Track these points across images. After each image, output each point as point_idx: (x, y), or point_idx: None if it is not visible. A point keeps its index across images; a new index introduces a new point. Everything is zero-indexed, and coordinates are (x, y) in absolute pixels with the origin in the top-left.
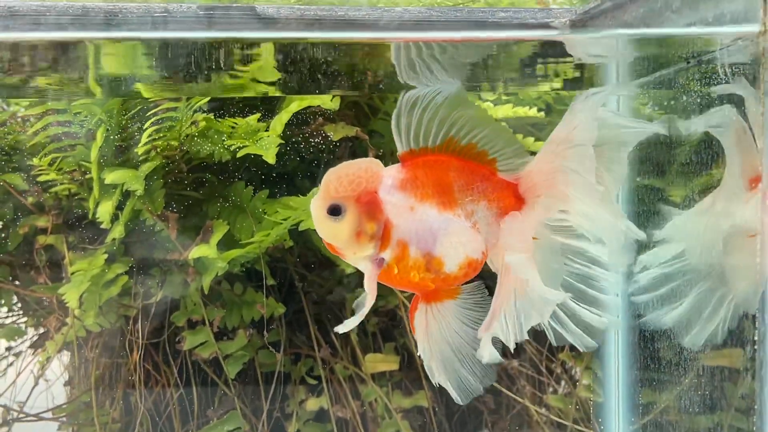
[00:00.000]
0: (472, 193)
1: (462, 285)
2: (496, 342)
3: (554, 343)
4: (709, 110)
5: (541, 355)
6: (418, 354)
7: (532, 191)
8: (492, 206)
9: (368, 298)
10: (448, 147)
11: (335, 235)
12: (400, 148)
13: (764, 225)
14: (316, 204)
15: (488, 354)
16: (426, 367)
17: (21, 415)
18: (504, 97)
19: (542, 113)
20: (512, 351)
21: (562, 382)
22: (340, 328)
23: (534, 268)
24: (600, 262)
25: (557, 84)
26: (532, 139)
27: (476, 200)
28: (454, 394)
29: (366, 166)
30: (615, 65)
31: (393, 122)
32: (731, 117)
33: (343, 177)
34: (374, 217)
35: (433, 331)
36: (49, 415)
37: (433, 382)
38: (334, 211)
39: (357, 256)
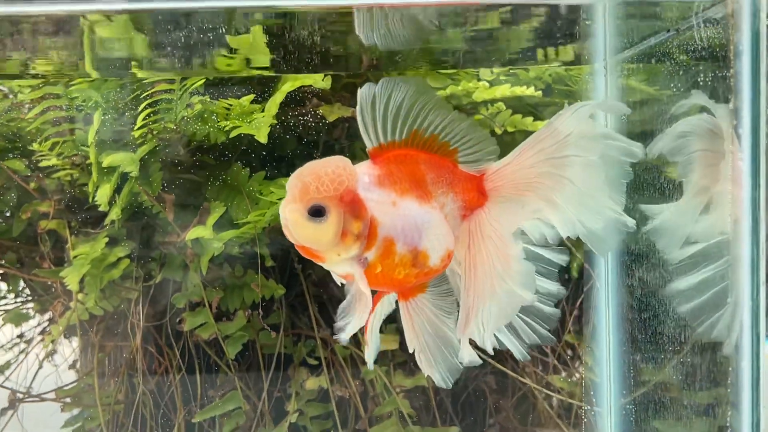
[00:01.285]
0: (442, 186)
1: None
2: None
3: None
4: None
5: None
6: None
7: (498, 189)
8: (457, 199)
9: (366, 299)
10: (413, 140)
11: (318, 239)
12: (369, 144)
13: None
14: (292, 207)
15: (468, 355)
16: (417, 360)
17: (25, 397)
18: (503, 77)
19: (540, 92)
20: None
21: (566, 363)
22: (342, 337)
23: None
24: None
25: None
26: (531, 118)
27: (446, 193)
28: (439, 380)
29: (342, 164)
30: (603, 28)
31: (359, 119)
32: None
33: (323, 176)
34: (359, 216)
35: (418, 325)
36: (53, 396)
37: (425, 373)
38: (318, 212)
39: (341, 258)
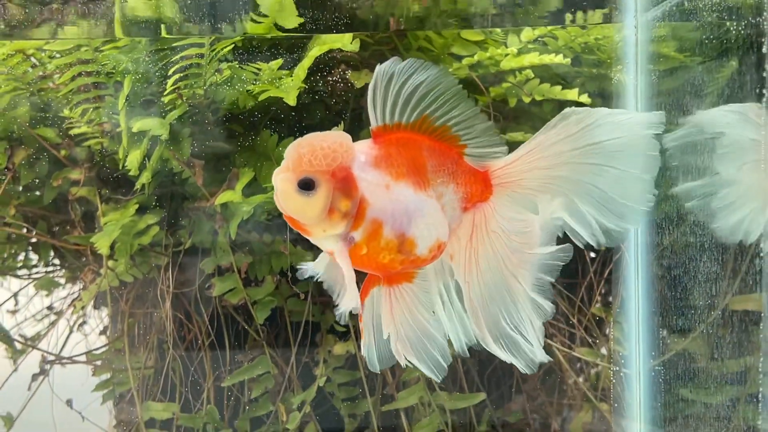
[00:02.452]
0: (443, 175)
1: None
2: None
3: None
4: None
5: (573, 308)
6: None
7: (505, 186)
8: (459, 191)
9: (347, 273)
10: (421, 126)
11: (304, 211)
12: (374, 123)
13: None
14: (284, 176)
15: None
16: (393, 349)
17: (56, 360)
18: (530, 46)
19: (568, 60)
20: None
21: (593, 336)
22: (341, 311)
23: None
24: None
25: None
26: (559, 87)
27: (446, 183)
28: (427, 372)
29: (340, 140)
30: None
31: (369, 96)
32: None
33: (318, 150)
34: (349, 194)
35: (397, 313)
36: (84, 359)
37: (401, 363)
38: (307, 185)
39: (326, 234)
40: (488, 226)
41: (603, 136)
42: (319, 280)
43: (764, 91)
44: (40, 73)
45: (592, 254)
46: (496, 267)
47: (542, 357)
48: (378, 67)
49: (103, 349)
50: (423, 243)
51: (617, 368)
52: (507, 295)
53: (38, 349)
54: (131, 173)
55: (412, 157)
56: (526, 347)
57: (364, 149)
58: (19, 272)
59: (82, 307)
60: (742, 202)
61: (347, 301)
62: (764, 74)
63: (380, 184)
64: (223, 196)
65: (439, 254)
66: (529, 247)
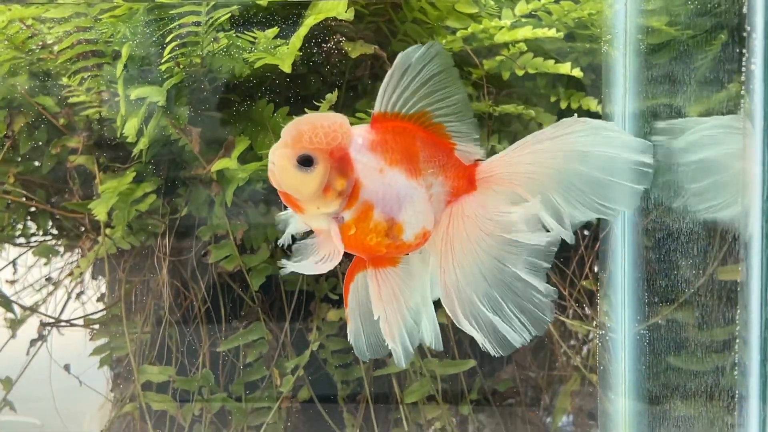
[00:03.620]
0: (434, 166)
1: None
2: None
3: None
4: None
5: (565, 281)
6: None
7: (489, 180)
8: (446, 184)
9: (339, 248)
10: (418, 119)
11: (301, 187)
12: (378, 108)
13: None
14: (283, 152)
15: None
16: (382, 329)
17: (55, 323)
18: (524, 20)
19: (561, 35)
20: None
21: (583, 308)
22: (284, 264)
23: None
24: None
25: None
26: (552, 61)
27: (436, 174)
28: (399, 360)
29: (340, 121)
30: None
31: (385, 81)
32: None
33: (318, 128)
34: (345, 174)
35: (385, 295)
36: (82, 323)
37: (390, 345)
38: (306, 161)
39: (319, 212)
40: (464, 212)
41: (589, 146)
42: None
43: (744, 66)
44: (40, 43)
45: (586, 231)
46: (471, 250)
47: (519, 341)
48: (401, 54)
49: (101, 314)
50: (410, 229)
51: (602, 332)
52: (484, 279)
53: (38, 312)
54: (129, 140)
55: (407, 145)
56: (503, 329)
57: (361, 133)
58: (18, 241)
59: (80, 274)
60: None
61: (305, 266)
62: (745, 50)
63: (375, 167)
64: (219, 163)
65: (423, 242)
66: (506, 231)
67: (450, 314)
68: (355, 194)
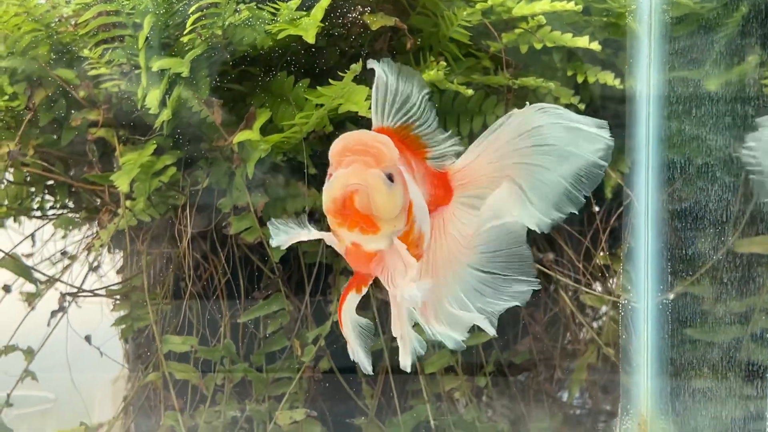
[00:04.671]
0: (419, 177)
1: None
2: None
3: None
4: None
5: (579, 255)
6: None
7: (464, 187)
8: (426, 194)
9: (414, 264)
10: (399, 132)
11: (389, 206)
12: (379, 123)
13: None
14: (374, 172)
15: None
16: (400, 346)
17: (78, 293)
18: None
19: (579, 7)
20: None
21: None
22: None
23: None
24: None
25: None
26: (570, 34)
27: (422, 184)
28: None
29: (387, 136)
30: None
31: (373, 97)
32: None
33: (386, 144)
34: (406, 188)
35: (404, 315)
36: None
37: (405, 360)
38: (391, 178)
39: (394, 230)
40: (445, 227)
41: (551, 140)
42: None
43: None
44: (60, 16)
45: (597, 208)
46: (449, 260)
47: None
48: (378, 69)
49: (122, 285)
50: (426, 237)
51: (626, 302)
52: (456, 282)
53: (60, 281)
54: (151, 111)
55: (407, 157)
56: (468, 319)
57: None
58: (35, 214)
59: (101, 246)
60: None
61: (421, 290)
62: None
63: (409, 180)
64: (241, 135)
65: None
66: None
67: (422, 319)
68: (411, 209)
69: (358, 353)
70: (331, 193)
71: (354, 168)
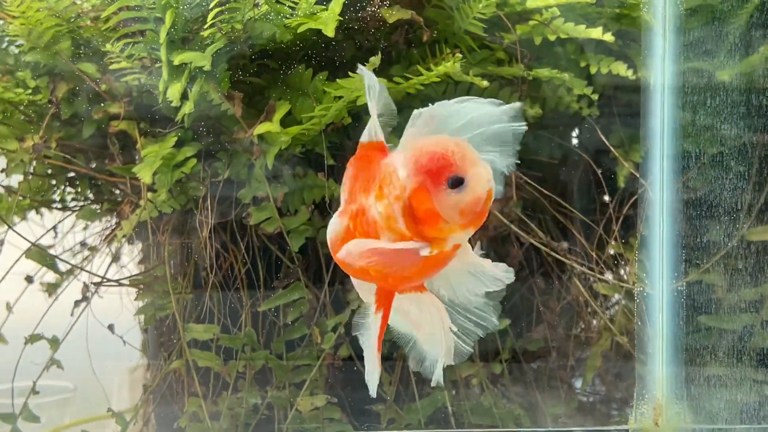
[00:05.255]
0: None
1: None
2: None
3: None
4: None
5: (592, 244)
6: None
7: None
8: None
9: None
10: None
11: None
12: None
13: None
14: (487, 168)
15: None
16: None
17: (102, 281)
18: None
19: None
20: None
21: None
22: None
23: None
24: None
25: None
26: (583, 26)
27: None
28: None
29: None
30: None
31: (372, 107)
32: None
33: None
34: None
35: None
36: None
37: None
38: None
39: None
40: None
41: (457, 123)
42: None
43: None
44: (82, 11)
45: (606, 198)
46: None
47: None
48: (369, 76)
49: (144, 274)
50: None
51: (641, 289)
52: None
53: (86, 270)
54: (173, 104)
55: None
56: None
57: None
58: (59, 205)
59: (123, 237)
60: None
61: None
62: None
63: None
64: (262, 127)
65: None
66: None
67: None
68: None
69: (374, 376)
70: (476, 193)
71: (486, 166)
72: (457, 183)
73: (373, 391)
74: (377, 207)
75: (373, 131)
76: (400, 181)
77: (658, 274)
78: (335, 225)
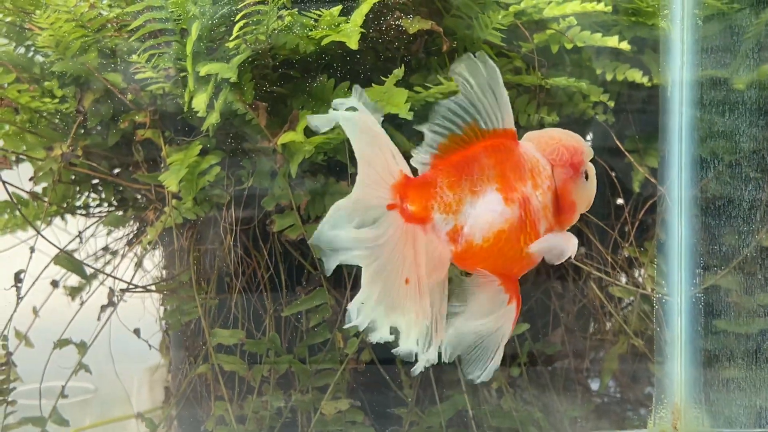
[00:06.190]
0: None
1: None
2: None
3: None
4: None
5: (607, 248)
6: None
7: None
8: None
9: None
10: None
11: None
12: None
13: None
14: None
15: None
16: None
17: (128, 287)
18: None
19: (610, 8)
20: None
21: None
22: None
23: None
24: None
25: None
26: (599, 34)
27: None
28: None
29: None
30: None
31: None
32: None
33: None
34: None
35: None
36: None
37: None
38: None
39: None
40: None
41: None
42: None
43: None
44: (107, 20)
45: (619, 201)
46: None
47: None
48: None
49: (170, 280)
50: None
51: (660, 295)
52: None
53: (112, 276)
54: (199, 114)
55: None
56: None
57: None
58: (83, 211)
59: (149, 242)
60: None
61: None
62: None
63: None
64: (286, 136)
65: None
66: None
67: None
68: None
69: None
70: (594, 183)
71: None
72: (587, 175)
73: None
74: (537, 196)
75: (495, 116)
76: (546, 171)
77: (676, 280)
78: (504, 213)
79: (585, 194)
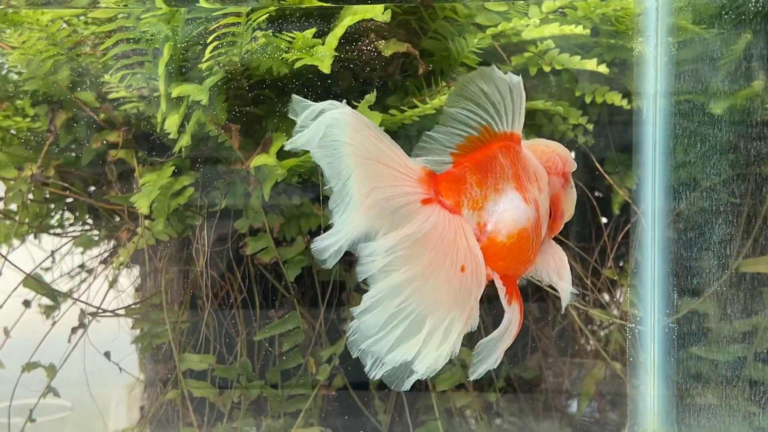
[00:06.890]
0: None
1: None
2: None
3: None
4: None
5: (587, 271)
6: None
7: None
8: None
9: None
10: None
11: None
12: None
13: None
14: None
15: None
16: None
17: (97, 311)
18: (551, 16)
19: (588, 31)
20: None
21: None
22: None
23: None
24: None
25: None
26: (578, 57)
27: None
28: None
29: None
30: None
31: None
32: None
33: None
34: None
35: None
36: (123, 312)
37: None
38: None
39: None
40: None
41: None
42: None
43: None
44: (81, 41)
45: (604, 219)
46: None
47: None
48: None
49: (141, 304)
50: None
51: (632, 326)
52: None
53: (81, 301)
54: (171, 136)
55: None
56: None
57: None
58: (58, 230)
59: (121, 264)
60: None
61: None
62: None
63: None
64: (258, 159)
65: None
66: None
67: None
68: None
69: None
70: (575, 200)
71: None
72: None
73: None
74: (542, 200)
75: (506, 121)
76: (545, 178)
77: (650, 304)
78: (527, 212)
79: (571, 204)
